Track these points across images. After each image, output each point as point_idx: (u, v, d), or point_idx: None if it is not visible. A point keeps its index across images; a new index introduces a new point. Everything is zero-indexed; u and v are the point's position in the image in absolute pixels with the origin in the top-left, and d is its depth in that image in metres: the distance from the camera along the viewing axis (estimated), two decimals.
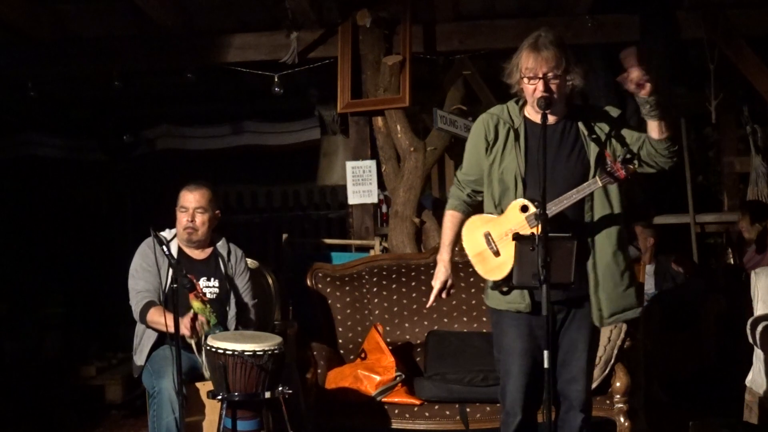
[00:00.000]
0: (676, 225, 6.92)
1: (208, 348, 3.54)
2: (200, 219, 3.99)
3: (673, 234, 6.89)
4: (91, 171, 8.49)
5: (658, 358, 5.37)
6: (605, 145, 3.12)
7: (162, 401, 3.60)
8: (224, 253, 4.09)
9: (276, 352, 3.52)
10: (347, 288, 4.84)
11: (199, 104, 8.12)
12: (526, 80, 3.08)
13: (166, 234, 4.03)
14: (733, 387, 4.79)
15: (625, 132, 3.16)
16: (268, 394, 3.52)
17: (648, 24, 5.69)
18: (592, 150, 3.12)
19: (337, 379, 4.33)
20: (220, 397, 3.52)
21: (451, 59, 5.99)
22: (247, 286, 4.12)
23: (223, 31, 5.92)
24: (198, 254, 4.06)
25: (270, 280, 4.64)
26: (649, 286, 6.05)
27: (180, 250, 4.03)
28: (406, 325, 4.74)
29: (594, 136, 3.13)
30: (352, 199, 5.73)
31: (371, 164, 5.69)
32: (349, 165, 5.73)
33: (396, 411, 4.22)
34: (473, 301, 4.72)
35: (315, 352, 4.41)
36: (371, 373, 4.26)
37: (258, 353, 3.47)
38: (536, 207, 2.98)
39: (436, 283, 3.34)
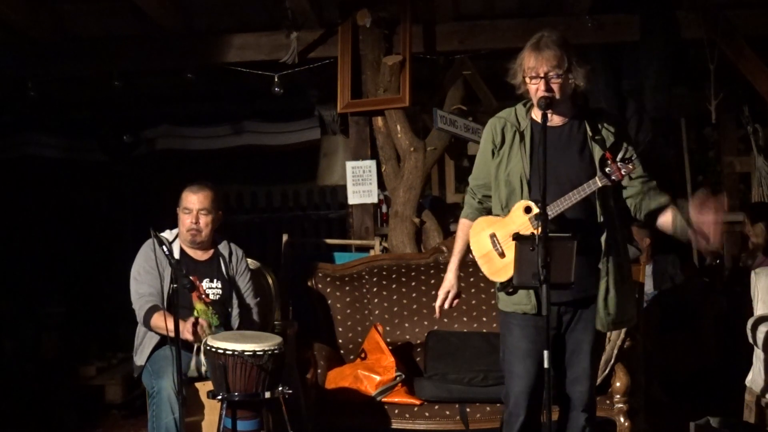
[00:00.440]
0: None
1: (208, 348, 3.54)
2: (204, 220, 3.98)
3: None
4: (91, 171, 8.48)
5: (658, 358, 5.37)
6: (609, 148, 3.11)
7: (161, 401, 3.60)
8: (226, 254, 4.09)
9: (276, 352, 3.52)
10: (347, 288, 4.84)
11: (199, 104, 8.12)
12: (528, 80, 3.09)
13: (168, 234, 4.02)
14: (733, 387, 4.79)
15: (629, 151, 3.16)
16: (268, 394, 3.52)
17: (648, 24, 5.68)
18: (597, 152, 3.12)
19: (337, 379, 4.33)
20: (220, 397, 3.52)
21: (451, 59, 5.98)
22: (249, 286, 4.12)
23: (223, 31, 5.92)
24: (200, 255, 4.06)
25: (270, 280, 4.64)
26: (648, 287, 6.05)
27: (182, 251, 4.02)
28: (406, 325, 4.74)
29: (598, 137, 3.13)
30: (352, 199, 5.73)
31: (371, 164, 5.68)
32: (349, 165, 5.73)
33: (396, 411, 4.22)
34: (473, 301, 4.72)
35: (315, 352, 4.41)
36: (371, 373, 4.26)
37: (258, 353, 3.47)
38: (539, 208, 2.98)
39: (440, 293, 3.37)
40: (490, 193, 3.32)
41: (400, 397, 4.25)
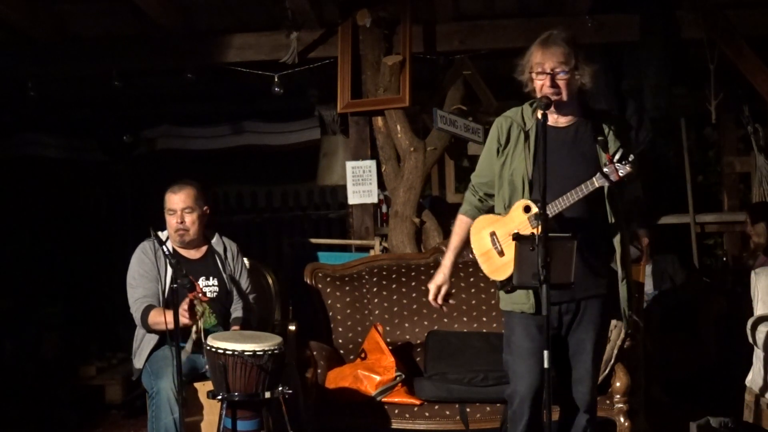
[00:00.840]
0: (676, 225, 6.92)
1: (208, 348, 3.54)
2: (189, 219, 3.97)
3: (673, 234, 6.89)
4: (91, 171, 8.49)
5: (658, 358, 5.37)
6: (612, 151, 3.11)
7: (161, 401, 3.60)
8: (220, 251, 4.08)
9: (276, 352, 3.52)
10: (347, 288, 4.84)
11: (199, 104, 8.12)
12: (534, 75, 3.09)
13: (162, 236, 4.02)
14: (733, 387, 4.79)
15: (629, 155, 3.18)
16: (268, 394, 3.52)
17: (648, 24, 5.68)
18: (601, 154, 3.11)
19: (337, 379, 4.33)
20: (220, 397, 3.52)
21: (451, 59, 5.98)
22: (247, 280, 4.12)
23: (223, 31, 5.92)
24: (193, 254, 4.05)
25: (270, 280, 4.64)
26: (648, 287, 6.05)
27: (175, 251, 4.01)
28: (406, 325, 4.74)
29: (600, 138, 3.13)
30: (352, 199, 5.73)
31: (371, 164, 5.68)
32: (349, 165, 5.73)
33: (396, 411, 4.22)
34: (473, 301, 4.72)
35: (315, 352, 4.41)
36: (371, 373, 4.26)
37: (258, 353, 3.47)
38: (538, 207, 2.98)
39: (432, 286, 3.36)
40: (491, 191, 3.32)
41: (400, 397, 4.25)
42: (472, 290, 4.73)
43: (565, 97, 3.09)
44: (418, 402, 4.23)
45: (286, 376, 3.67)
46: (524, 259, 2.96)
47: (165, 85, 7.26)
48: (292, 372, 3.85)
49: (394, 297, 4.80)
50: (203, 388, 3.77)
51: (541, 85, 3.08)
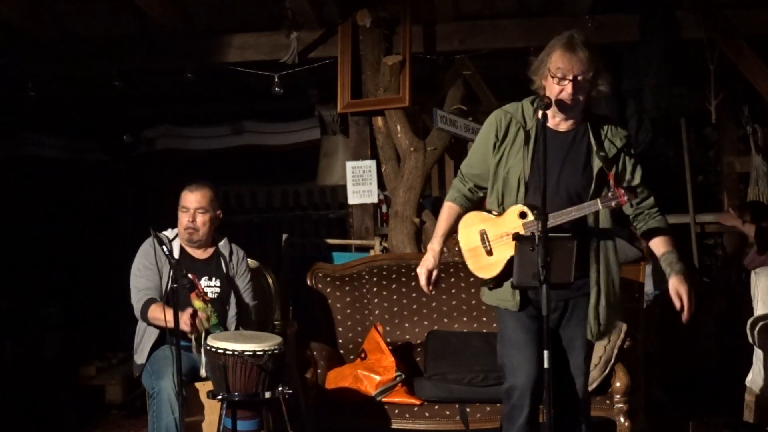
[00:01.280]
0: (676, 225, 6.92)
1: (208, 348, 3.54)
2: (201, 219, 3.99)
3: (672, 234, 6.87)
4: (91, 171, 8.48)
5: (658, 358, 5.37)
6: (610, 164, 3.09)
7: (161, 401, 3.61)
8: (226, 254, 4.10)
9: (276, 352, 3.53)
10: (347, 288, 4.84)
11: (199, 104, 8.11)
12: (554, 80, 3.02)
13: (168, 233, 4.04)
14: (733, 387, 4.79)
15: (628, 165, 3.16)
16: (268, 394, 3.52)
17: (648, 24, 5.68)
18: (596, 165, 3.10)
19: (337, 379, 4.33)
20: (220, 397, 3.52)
21: (451, 59, 5.98)
22: (248, 286, 4.13)
23: (223, 31, 5.92)
24: (200, 254, 4.07)
25: (270, 280, 4.65)
26: (648, 287, 6.04)
27: (182, 249, 4.04)
28: (406, 325, 4.74)
29: (602, 154, 3.09)
30: (352, 199, 5.73)
31: (371, 164, 5.68)
32: (349, 165, 5.73)
33: (396, 411, 4.23)
34: (473, 301, 4.72)
35: (315, 352, 4.41)
36: (371, 373, 4.26)
37: (258, 353, 3.47)
38: (534, 216, 2.97)
39: (422, 270, 3.26)
40: (483, 184, 3.28)
41: (400, 397, 4.25)
42: (472, 290, 4.73)
43: (580, 103, 3.06)
44: (418, 402, 4.23)
45: (286, 376, 3.68)
46: (524, 259, 2.96)
47: (165, 85, 7.26)
48: (292, 372, 3.85)
49: (394, 297, 4.80)
50: (204, 387, 3.77)
51: (560, 90, 3.01)
